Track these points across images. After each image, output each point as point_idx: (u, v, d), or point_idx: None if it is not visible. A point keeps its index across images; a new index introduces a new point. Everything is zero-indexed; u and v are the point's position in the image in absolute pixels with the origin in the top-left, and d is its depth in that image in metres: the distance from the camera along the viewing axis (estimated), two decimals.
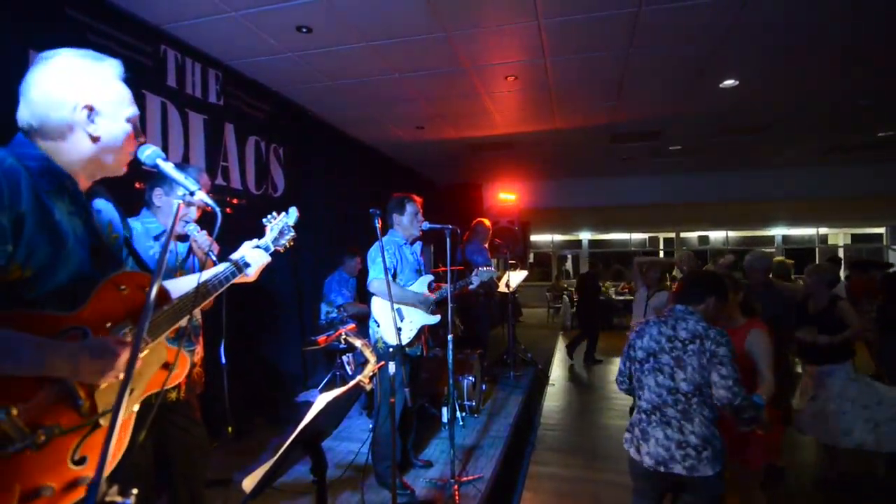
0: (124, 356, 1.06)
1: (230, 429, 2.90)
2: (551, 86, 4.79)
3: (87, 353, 1.02)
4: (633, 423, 2.19)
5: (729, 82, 4.74)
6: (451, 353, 3.16)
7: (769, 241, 15.38)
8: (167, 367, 1.25)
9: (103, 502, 0.86)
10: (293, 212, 1.68)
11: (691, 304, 2.15)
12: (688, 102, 5.31)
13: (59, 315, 1.07)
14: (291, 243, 1.65)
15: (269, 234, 1.60)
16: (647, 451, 2.05)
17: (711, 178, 9.53)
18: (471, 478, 3.23)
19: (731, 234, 15.45)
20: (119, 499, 0.89)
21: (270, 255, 1.59)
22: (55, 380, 1.03)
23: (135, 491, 0.91)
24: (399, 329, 2.81)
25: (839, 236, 15.57)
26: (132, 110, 1.22)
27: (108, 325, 1.13)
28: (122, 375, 1.09)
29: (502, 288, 5.63)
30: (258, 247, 1.56)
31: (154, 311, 1.23)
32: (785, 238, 15.41)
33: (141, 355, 1.17)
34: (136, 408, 1.20)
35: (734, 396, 1.95)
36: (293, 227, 1.67)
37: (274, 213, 1.67)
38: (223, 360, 1.97)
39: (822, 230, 15.00)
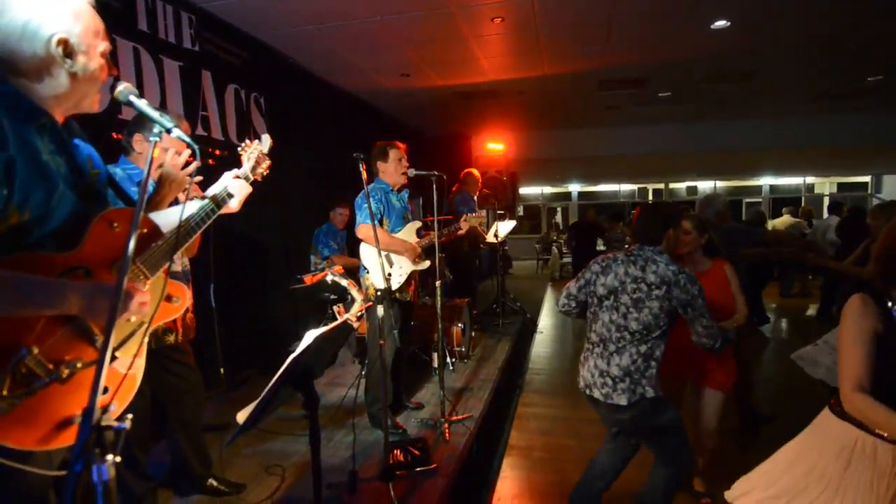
0: (137, 299, 1.13)
1: (221, 370, 2.95)
2: (539, 28, 4.65)
3: (101, 296, 1.06)
4: (585, 349, 2.27)
5: (720, 23, 4.62)
6: (439, 298, 3.22)
7: (756, 190, 15.52)
8: (170, 299, 1.31)
9: (99, 427, 0.89)
10: (266, 139, 1.66)
11: (655, 242, 2.13)
12: (677, 45, 5.19)
13: (60, 255, 1.09)
14: (267, 171, 1.65)
15: (247, 164, 1.59)
16: (582, 374, 2.20)
17: (699, 128, 9.48)
18: (460, 417, 3.36)
19: (720, 183, 15.52)
20: (115, 423, 0.92)
21: (250, 184, 1.58)
22: (71, 318, 1.08)
23: (129, 416, 0.94)
24: (389, 274, 2.84)
25: (825, 185, 15.73)
26: (106, 44, 1.17)
27: (111, 264, 1.16)
28: (133, 318, 1.16)
29: (490, 238, 5.66)
30: (238, 177, 1.54)
31: (149, 247, 1.26)
32: (772, 187, 15.53)
33: (145, 288, 1.21)
34: (146, 341, 1.24)
35: (715, 341, 2.06)
36: (268, 155, 1.65)
37: (247, 140, 1.65)
38: (212, 303, 1.99)
39: (809, 179, 15.12)
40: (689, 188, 16.10)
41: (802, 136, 9.34)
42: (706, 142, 9.68)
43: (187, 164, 1.57)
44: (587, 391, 2.16)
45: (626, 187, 16.60)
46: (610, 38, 4.97)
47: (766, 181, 15.32)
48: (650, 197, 16.83)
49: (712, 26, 4.68)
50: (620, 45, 5.15)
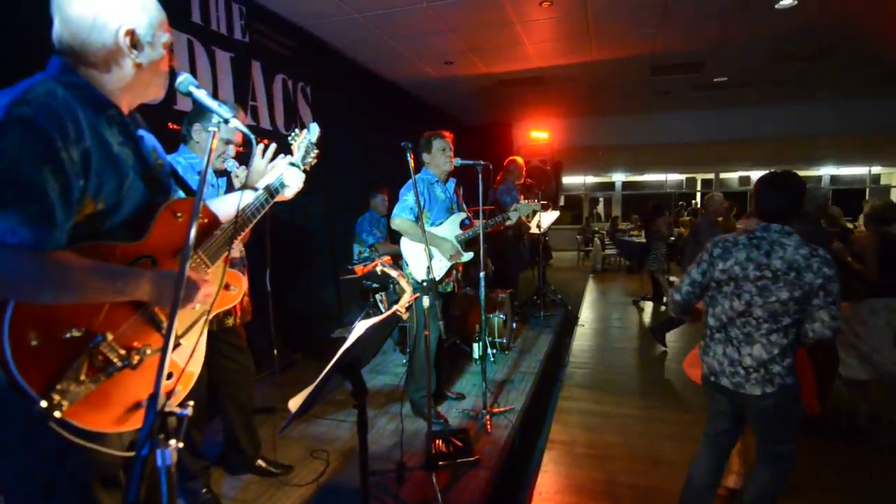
0: (203, 290, 1.17)
1: (276, 351, 3.04)
2: (589, 11, 4.49)
3: (170, 283, 1.10)
4: (704, 334, 2.13)
5: (786, 2, 4.33)
6: (482, 290, 3.19)
7: (816, 181, 14.59)
8: (228, 288, 1.35)
9: (163, 413, 0.91)
10: (314, 128, 1.67)
11: (782, 219, 1.91)
12: (738, 27, 4.91)
13: (129, 244, 1.12)
14: (315, 160, 1.66)
15: (298, 154, 1.61)
16: (707, 361, 2.07)
17: (754, 114, 8.93)
18: (502, 409, 3.34)
19: None
20: (178, 409, 0.94)
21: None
22: (139, 306, 1.12)
23: (191, 403, 0.96)
24: (429, 267, 2.83)
25: (894, 175, 14.63)
26: (169, 36, 1.19)
27: (175, 253, 1.19)
28: (198, 307, 1.20)
29: (533, 229, 5.57)
30: (293, 164, 1.57)
31: (210, 237, 1.29)
32: (833, 178, 14.60)
33: (207, 278, 1.25)
34: (206, 330, 1.27)
35: (834, 333, 1.83)
36: (316, 144, 1.67)
37: (296, 130, 1.66)
38: (269, 288, 2.05)
39: (875, 169, 14.11)
40: (741, 178, 15.33)
41: (868, 121, 8.67)
42: (761, 128, 9.15)
43: (245, 154, 1.61)
44: (712, 378, 2.04)
45: (674, 177, 15.98)
46: (664, 21, 4.74)
47: (826, 171, 14.40)
48: (699, 187, 16.16)
49: (777, 6, 4.39)
50: (675, 28, 4.92)
